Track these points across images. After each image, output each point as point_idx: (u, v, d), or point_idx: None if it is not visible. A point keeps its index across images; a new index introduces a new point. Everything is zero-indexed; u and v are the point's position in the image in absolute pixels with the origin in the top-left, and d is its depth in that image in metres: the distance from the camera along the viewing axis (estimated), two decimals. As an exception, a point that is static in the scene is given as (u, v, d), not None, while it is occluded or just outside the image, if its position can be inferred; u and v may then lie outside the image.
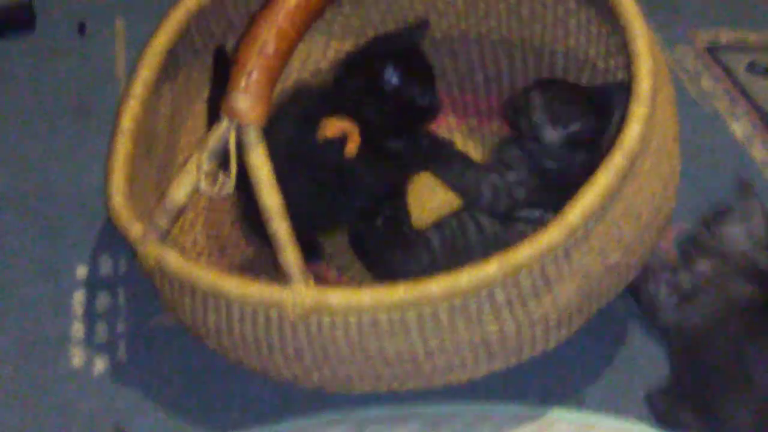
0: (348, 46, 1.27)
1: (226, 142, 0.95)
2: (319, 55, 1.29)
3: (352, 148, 1.11)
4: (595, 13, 1.15)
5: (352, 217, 1.18)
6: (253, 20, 1.01)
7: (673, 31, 1.53)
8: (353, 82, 1.16)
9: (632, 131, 0.96)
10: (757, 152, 1.36)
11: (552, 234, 0.93)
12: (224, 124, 0.95)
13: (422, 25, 1.22)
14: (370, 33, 1.28)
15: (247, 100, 0.95)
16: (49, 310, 1.19)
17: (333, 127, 1.11)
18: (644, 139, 0.97)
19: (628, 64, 1.01)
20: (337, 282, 1.20)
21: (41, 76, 1.45)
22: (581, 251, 0.96)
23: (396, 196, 1.19)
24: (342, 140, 1.11)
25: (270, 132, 1.02)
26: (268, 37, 0.99)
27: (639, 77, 0.99)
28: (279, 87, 1.24)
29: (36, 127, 1.39)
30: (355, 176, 1.13)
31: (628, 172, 0.96)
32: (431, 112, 1.19)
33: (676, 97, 1.10)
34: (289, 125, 1.15)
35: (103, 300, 1.20)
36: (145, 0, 1.52)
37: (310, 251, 1.18)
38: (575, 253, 0.96)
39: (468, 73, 1.32)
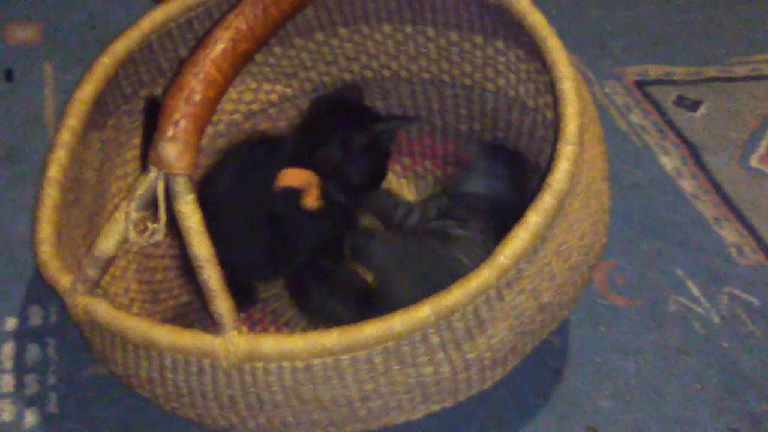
0: (279, 87, 1.27)
1: (155, 191, 0.94)
2: (250, 98, 1.29)
3: (310, 200, 1.10)
4: (523, 53, 1.16)
5: (289, 267, 1.18)
6: (180, 67, 1.00)
7: (602, 66, 1.56)
8: (331, 142, 1.17)
9: (560, 171, 0.96)
10: (687, 184, 1.38)
11: (484, 275, 0.93)
12: (152, 173, 0.94)
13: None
14: (302, 75, 1.28)
15: (175, 149, 0.94)
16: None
17: (293, 177, 1.11)
18: (573, 179, 0.97)
19: (555, 105, 1.02)
20: (271, 328, 1.19)
21: (-33, 124, 1.43)
22: (513, 292, 0.97)
23: (335, 250, 1.19)
24: (298, 191, 1.11)
25: (210, 179, 1.01)
26: (195, 84, 0.98)
27: (566, 117, 1.00)
28: (210, 130, 1.26)
29: (-38, 176, 1.37)
30: (297, 229, 1.13)
31: (557, 211, 0.97)
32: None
33: (606, 132, 1.11)
34: (233, 173, 1.15)
35: (32, 352, 1.18)
36: (74, 45, 1.52)
37: (244, 297, 1.17)
38: (507, 293, 0.96)
39: (400, 113, 1.32)
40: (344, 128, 1.16)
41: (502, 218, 1.11)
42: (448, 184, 1.21)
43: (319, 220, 1.13)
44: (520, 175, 1.19)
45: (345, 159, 1.15)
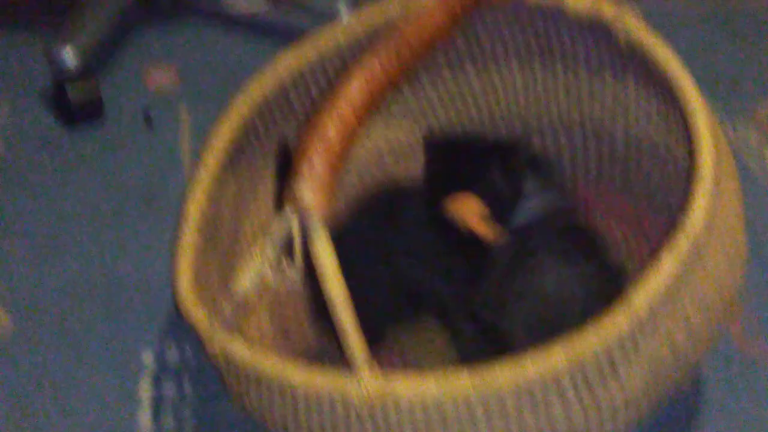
0: (405, 127, 1.28)
1: (290, 231, 0.96)
2: (378, 137, 1.31)
3: (484, 229, 1.11)
4: (653, 91, 1.15)
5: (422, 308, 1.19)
6: (314, 108, 1.02)
7: (734, 104, 1.52)
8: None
9: (697, 214, 0.95)
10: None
11: (618, 321, 0.92)
12: (287, 212, 0.96)
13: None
14: (428, 115, 1.30)
15: (310, 189, 0.96)
16: (115, 398, 1.20)
17: (464, 205, 1.11)
18: (709, 218, 0.96)
19: (688, 143, 1.01)
20: (400, 367, 1.19)
21: (109, 165, 1.48)
22: (648, 336, 0.95)
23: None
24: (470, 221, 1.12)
25: (346, 229, 1.02)
26: (330, 124, 1.00)
27: (700, 155, 0.98)
28: (343, 178, 1.27)
29: (103, 216, 1.41)
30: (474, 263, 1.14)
31: (693, 254, 0.95)
32: None
33: (738, 174, 1.09)
34: (372, 219, 1.17)
35: (169, 388, 1.21)
36: (209, 89, 1.56)
37: (374, 336, 1.18)
38: (642, 338, 0.95)
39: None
40: (499, 167, 1.16)
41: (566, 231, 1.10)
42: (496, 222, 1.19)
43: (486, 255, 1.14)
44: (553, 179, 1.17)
45: (515, 196, 1.14)
